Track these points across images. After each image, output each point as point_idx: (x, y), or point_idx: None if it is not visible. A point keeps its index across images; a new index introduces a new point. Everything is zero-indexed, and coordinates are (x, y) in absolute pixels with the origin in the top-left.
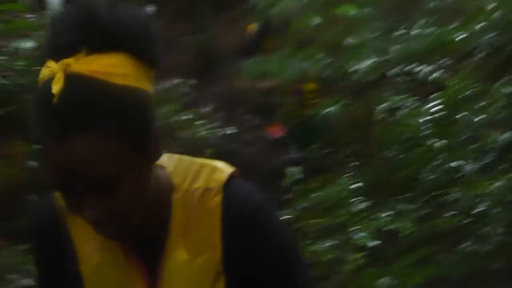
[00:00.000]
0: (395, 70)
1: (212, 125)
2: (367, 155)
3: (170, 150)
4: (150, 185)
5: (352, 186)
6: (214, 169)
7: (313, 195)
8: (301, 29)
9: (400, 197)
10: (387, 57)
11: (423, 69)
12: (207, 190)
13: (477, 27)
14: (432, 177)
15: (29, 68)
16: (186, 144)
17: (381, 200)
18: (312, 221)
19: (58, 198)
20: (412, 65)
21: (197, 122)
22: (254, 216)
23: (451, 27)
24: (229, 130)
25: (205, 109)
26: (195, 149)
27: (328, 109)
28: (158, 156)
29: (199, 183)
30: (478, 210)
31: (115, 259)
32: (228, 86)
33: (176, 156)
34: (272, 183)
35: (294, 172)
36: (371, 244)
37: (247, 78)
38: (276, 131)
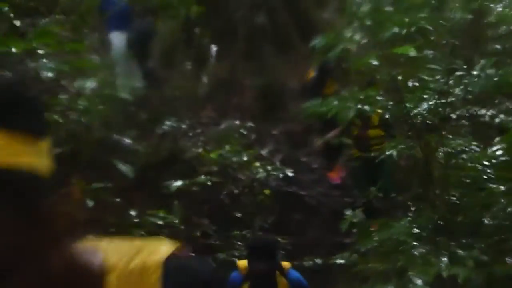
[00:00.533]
0: (458, 113)
1: (271, 166)
2: (428, 199)
3: (228, 191)
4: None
5: (413, 230)
6: (154, 247)
7: (373, 238)
8: (361, 70)
9: (461, 241)
10: (449, 99)
11: (486, 112)
12: (144, 268)
13: None
14: (494, 222)
15: (91, 108)
16: (244, 185)
17: (442, 245)
18: (371, 264)
19: None
20: (475, 108)
21: (256, 163)
22: None
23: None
24: (288, 172)
25: (265, 151)
26: (253, 190)
27: (390, 151)
28: (62, 233)
29: (136, 262)
30: None
31: None
32: (289, 128)
33: (116, 240)
34: (332, 225)
35: (354, 214)
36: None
37: (307, 119)
38: (336, 176)
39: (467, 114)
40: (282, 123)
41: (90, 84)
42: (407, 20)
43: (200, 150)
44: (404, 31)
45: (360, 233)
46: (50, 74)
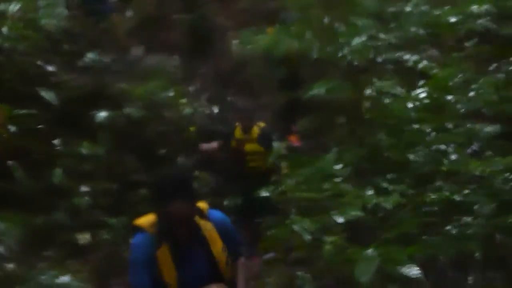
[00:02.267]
0: (384, 56)
1: (198, 104)
2: (356, 137)
3: (153, 128)
4: None
5: (339, 166)
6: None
7: (300, 171)
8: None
9: (387, 177)
10: (376, 43)
11: (411, 57)
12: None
13: (471, 10)
14: (419, 159)
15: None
16: (170, 122)
17: (367, 180)
18: (298, 194)
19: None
20: (400, 53)
21: (182, 100)
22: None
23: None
24: (214, 109)
25: (192, 88)
26: (178, 127)
27: (316, 91)
28: None
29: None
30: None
31: None
32: (217, 66)
33: None
34: None
35: (281, 147)
36: (355, 213)
37: (242, 50)
38: (296, 140)
39: (392, 59)
40: (210, 61)
41: (13, 7)
42: None
43: (124, 85)
44: None
45: (290, 163)
46: None
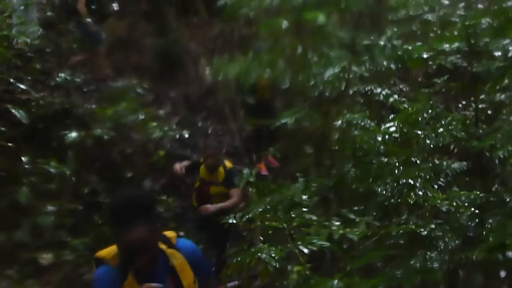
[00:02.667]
0: (355, 89)
1: (167, 127)
2: (322, 167)
3: (121, 150)
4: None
5: (305, 196)
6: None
7: (267, 198)
8: (269, 34)
9: (353, 208)
10: (347, 75)
11: (381, 91)
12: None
13: (444, 47)
14: (386, 191)
15: None
16: (138, 144)
17: (333, 211)
18: (266, 223)
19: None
20: (371, 86)
21: (152, 123)
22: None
23: (417, 44)
24: (185, 133)
25: (162, 112)
26: (147, 150)
27: (285, 120)
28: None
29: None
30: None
31: None
32: (187, 91)
33: None
34: None
35: (250, 174)
36: (321, 243)
37: (214, 77)
38: (264, 169)
39: (363, 91)
40: (180, 85)
41: None
42: None
43: (93, 106)
44: None
45: (256, 191)
46: None
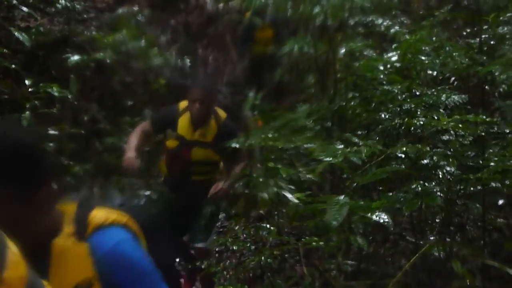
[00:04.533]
0: (356, 19)
1: (168, 55)
2: (326, 94)
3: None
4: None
5: (309, 121)
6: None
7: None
8: None
9: (356, 133)
10: (351, 5)
11: (383, 22)
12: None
13: None
14: (389, 117)
15: None
16: (138, 73)
17: (337, 135)
18: (270, 143)
19: None
20: (372, 17)
21: (152, 51)
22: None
23: None
24: (186, 62)
25: (162, 39)
26: (147, 78)
27: (289, 47)
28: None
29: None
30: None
31: None
32: (188, 19)
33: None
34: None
35: (256, 97)
36: (329, 160)
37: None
38: None
39: (364, 22)
40: (181, 13)
41: None
42: None
43: (93, 33)
44: None
45: (262, 114)
46: None
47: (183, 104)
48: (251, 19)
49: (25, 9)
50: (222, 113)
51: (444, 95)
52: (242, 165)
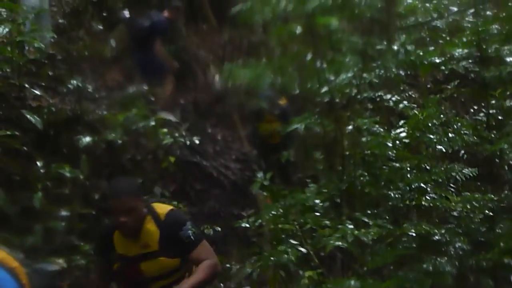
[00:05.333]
0: (365, 95)
1: (178, 134)
2: (334, 172)
3: (131, 156)
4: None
5: (318, 200)
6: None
7: (282, 201)
8: (281, 40)
9: (365, 212)
10: (357, 82)
11: (391, 97)
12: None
13: (455, 53)
14: (398, 195)
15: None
16: (148, 151)
17: (346, 214)
18: (281, 226)
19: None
20: (381, 92)
21: (163, 130)
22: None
23: (430, 49)
24: (195, 140)
25: (172, 118)
26: (157, 156)
27: (296, 126)
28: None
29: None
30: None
31: None
32: (197, 97)
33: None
34: (231, 197)
35: (262, 178)
36: (337, 243)
37: (224, 83)
38: None
39: (372, 97)
40: (190, 92)
41: (2, 30)
42: None
43: (104, 112)
44: (330, 1)
45: (271, 193)
46: None
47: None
48: (260, 103)
49: (37, 92)
50: (161, 209)
51: (453, 171)
52: (208, 270)
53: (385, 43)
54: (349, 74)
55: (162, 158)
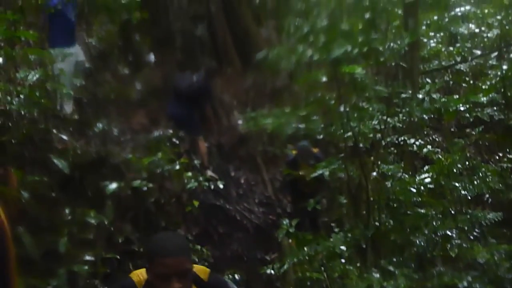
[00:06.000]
0: (388, 139)
1: (202, 177)
2: (359, 218)
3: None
4: None
5: (343, 246)
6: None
7: (306, 248)
8: (306, 87)
9: (391, 259)
10: (381, 126)
11: (415, 141)
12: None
13: (479, 99)
14: (423, 242)
15: (30, 99)
16: (172, 194)
17: (371, 262)
18: (307, 273)
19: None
20: (405, 137)
21: (187, 174)
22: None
23: (455, 97)
24: (220, 184)
25: (196, 162)
26: (181, 199)
27: (322, 171)
28: None
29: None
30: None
31: None
32: (221, 141)
33: None
34: (255, 241)
35: (290, 225)
36: None
37: (247, 129)
38: None
39: (396, 142)
40: (214, 135)
41: (32, 76)
42: (360, 39)
43: (129, 155)
44: (356, 50)
45: (297, 242)
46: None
47: (140, 276)
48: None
49: (63, 137)
50: (203, 271)
51: (479, 218)
52: None
53: (409, 91)
54: (374, 121)
55: (186, 201)
